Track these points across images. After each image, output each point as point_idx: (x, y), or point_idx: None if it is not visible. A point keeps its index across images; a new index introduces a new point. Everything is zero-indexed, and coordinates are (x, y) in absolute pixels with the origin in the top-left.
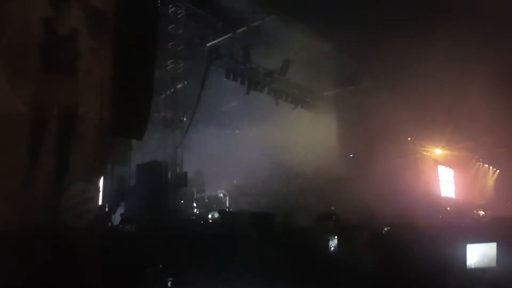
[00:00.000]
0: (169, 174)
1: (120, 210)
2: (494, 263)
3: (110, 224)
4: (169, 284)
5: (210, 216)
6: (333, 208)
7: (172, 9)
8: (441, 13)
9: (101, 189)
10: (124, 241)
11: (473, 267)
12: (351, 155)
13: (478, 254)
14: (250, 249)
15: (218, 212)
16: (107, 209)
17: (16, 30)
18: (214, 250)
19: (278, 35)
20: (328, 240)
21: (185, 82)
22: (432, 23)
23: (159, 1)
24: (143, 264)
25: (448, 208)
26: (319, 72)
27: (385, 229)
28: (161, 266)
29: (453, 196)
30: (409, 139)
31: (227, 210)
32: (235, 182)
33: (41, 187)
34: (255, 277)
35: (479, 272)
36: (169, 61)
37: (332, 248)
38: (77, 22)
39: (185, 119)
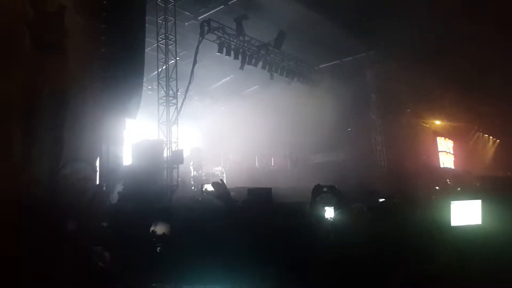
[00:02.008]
0: (165, 152)
1: (118, 189)
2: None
3: (108, 202)
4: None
5: (203, 189)
6: (330, 183)
7: None
8: None
9: (97, 168)
10: (122, 219)
11: (459, 224)
12: (349, 129)
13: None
14: (246, 221)
15: (211, 184)
16: (104, 188)
17: (4, 7)
18: (210, 225)
19: (272, 6)
20: (324, 211)
21: (178, 58)
22: None
23: None
24: (140, 241)
25: (448, 181)
26: (315, 43)
27: (381, 200)
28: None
29: (452, 167)
30: (408, 110)
31: (220, 182)
32: (231, 157)
33: (37, 168)
34: (251, 249)
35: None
36: (159, 36)
37: (329, 218)
38: None
39: (178, 95)
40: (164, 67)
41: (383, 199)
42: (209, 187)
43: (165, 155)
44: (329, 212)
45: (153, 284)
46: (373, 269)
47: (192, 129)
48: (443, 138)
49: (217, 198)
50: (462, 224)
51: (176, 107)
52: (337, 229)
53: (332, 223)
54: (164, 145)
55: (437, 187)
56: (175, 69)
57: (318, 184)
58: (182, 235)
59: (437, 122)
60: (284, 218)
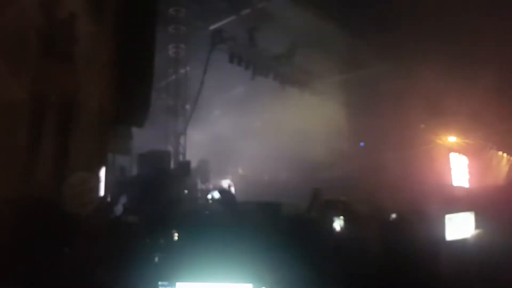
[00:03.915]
0: (172, 163)
1: (122, 201)
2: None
3: (112, 215)
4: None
5: (209, 196)
6: (342, 199)
7: None
8: None
9: (102, 179)
10: (127, 232)
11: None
12: (362, 143)
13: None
14: (254, 234)
15: (218, 191)
16: (109, 200)
17: (14, 15)
18: (218, 239)
19: (285, 16)
20: (333, 226)
21: (188, 68)
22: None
23: None
24: (146, 255)
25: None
26: (328, 55)
27: (392, 216)
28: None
29: (467, 185)
30: (422, 126)
31: (228, 189)
32: (240, 171)
33: (41, 177)
34: (258, 261)
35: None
36: (170, 46)
37: (338, 230)
38: (76, 6)
39: (188, 105)
40: (174, 76)
41: (394, 215)
42: (215, 195)
43: (172, 166)
44: (339, 225)
45: (159, 283)
46: (383, 283)
47: (200, 140)
48: (457, 154)
49: (223, 206)
50: (457, 238)
51: (185, 118)
52: (347, 243)
53: (343, 237)
54: (172, 156)
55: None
56: (185, 79)
57: (329, 199)
58: (186, 243)
59: (452, 139)
60: (293, 231)
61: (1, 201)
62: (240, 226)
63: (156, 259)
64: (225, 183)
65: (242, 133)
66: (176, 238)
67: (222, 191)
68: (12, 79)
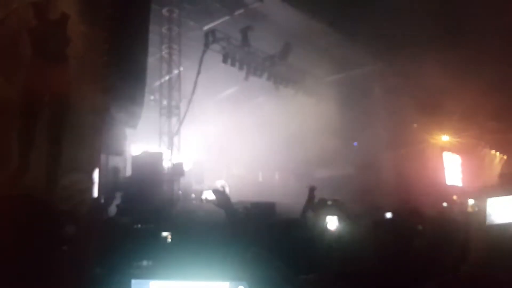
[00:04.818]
0: (166, 164)
1: (116, 201)
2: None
3: (105, 216)
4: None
5: (204, 197)
6: (336, 198)
7: None
8: None
9: (96, 180)
10: (120, 233)
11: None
12: (355, 143)
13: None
14: (248, 236)
15: (212, 191)
16: (102, 200)
17: (7, 16)
18: (212, 240)
19: (278, 17)
20: (326, 226)
21: (181, 68)
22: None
23: None
24: (140, 255)
25: (455, 197)
26: (321, 55)
27: (387, 215)
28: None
29: (460, 184)
30: (415, 125)
31: (221, 189)
32: (234, 171)
33: (34, 178)
34: (250, 261)
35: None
36: (163, 46)
37: (331, 229)
38: (68, 6)
39: (181, 106)
40: (168, 77)
41: (389, 214)
42: (208, 195)
43: (166, 167)
44: (332, 223)
45: (132, 280)
46: (376, 283)
47: (194, 140)
48: (450, 153)
49: (217, 206)
50: (499, 222)
51: (179, 118)
52: (341, 243)
53: (336, 236)
54: (165, 157)
55: (444, 203)
56: (178, 79)
57: (322, 198)
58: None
59: (445, 138)
60: (286, 231)
61: None
62: (231, 226)
63: (132, 256)
64: (219, 183)
65: (236, 133)
66: (169, 239)
67: (215, 191)
68: (5, 80)
